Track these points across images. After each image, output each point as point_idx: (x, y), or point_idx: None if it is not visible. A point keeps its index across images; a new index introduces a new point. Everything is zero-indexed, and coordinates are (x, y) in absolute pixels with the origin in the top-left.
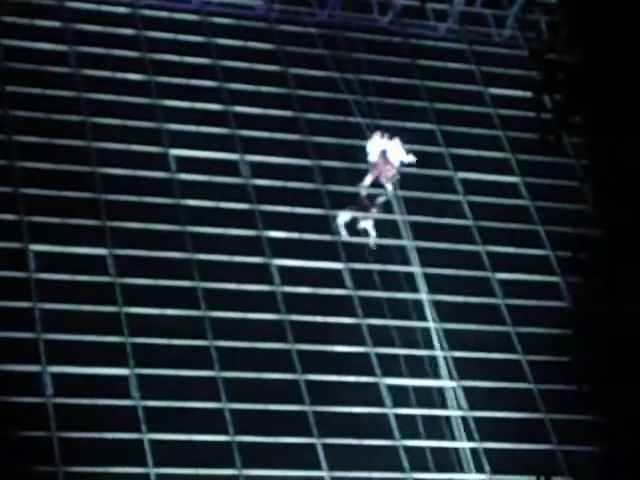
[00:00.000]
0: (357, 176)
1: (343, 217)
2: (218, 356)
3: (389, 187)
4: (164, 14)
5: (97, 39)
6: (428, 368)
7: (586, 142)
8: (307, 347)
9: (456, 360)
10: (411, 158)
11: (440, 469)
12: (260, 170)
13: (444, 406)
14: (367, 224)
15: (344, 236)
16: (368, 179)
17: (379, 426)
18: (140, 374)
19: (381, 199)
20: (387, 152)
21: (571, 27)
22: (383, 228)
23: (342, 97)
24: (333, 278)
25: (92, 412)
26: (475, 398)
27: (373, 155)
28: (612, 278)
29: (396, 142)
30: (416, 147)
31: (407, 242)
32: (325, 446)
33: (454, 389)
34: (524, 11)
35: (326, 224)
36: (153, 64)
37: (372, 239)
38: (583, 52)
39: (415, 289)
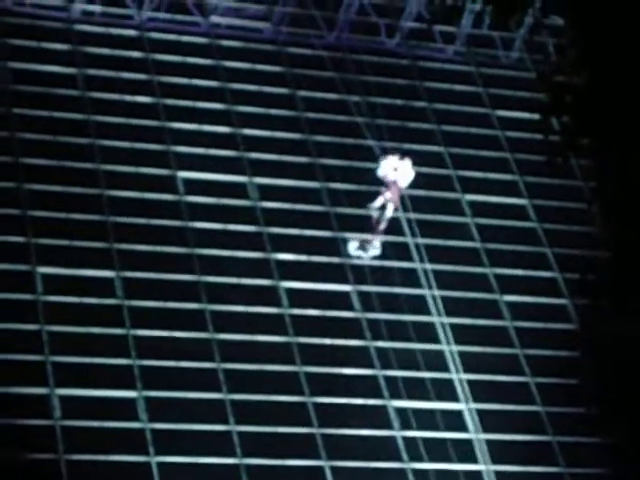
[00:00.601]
0: (365, 198)
1: (353, 245)
2: (226, 378)
3: (390, 209)
4: (172, 37)
5: (105, 62)
6: (436, 390)
7: (594, 164)
8: (315, 369)
9: (464, 382)
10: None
11: None
12: (268, 192)
13: (452, 428)
14: (376, 246)
15: (365, 258)
16: (379, 201)
17: (387, 449)
18: (148, 396)
19: (383, 224)
20: (397, 174)
21: (579, 49)
22: (392, 250)
23: (350, 119)
24: (341, 300)
25: (100, 434)
26: (483, 420)
27: (386, 175)
28: (619, 300)
29: (407, 163)
30: (424, 169)
31: (416, 264)
32: (333, 468)
33: (462, 411)
34: (532, 33)
35: (334, 246)
36: (161, 87)
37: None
38: (591, 74)
39: (423, 311)
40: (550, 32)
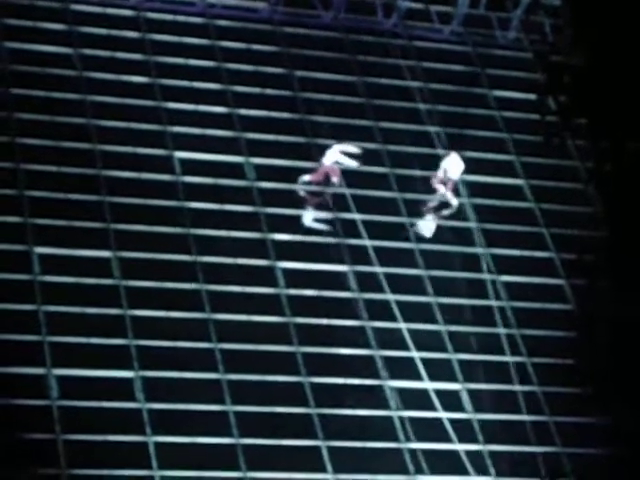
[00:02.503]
0: (358, 178)
1: (308, 216)
2: (222, 358)
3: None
4: (168, 17)
5: (102, 42)
6: (433, 370)
7: (590, 144)
8: (312, 350)
9: (461, 362)
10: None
11: (445, 472)
12: (265, 172)
13: (449, 408)
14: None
15: (320, 229)
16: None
17: (384, 429)
18: (145, 377)
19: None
20: (446, 166)
21: (575, 29)
22: (388, 231)
23: (347, 99)
24: (338, 281)
25: (97, 415)
26: (479, 401)
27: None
28: (616, 281)
29: (454, 155)
30: (421, 150)
31: (413, 245)
32: (330, 448)
33: (459, 391)
34: (528, 13)
35: (331, 226)
36: (158, 67)
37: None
38: (588, 54)
39: (420, 291)
40: (547, 12)
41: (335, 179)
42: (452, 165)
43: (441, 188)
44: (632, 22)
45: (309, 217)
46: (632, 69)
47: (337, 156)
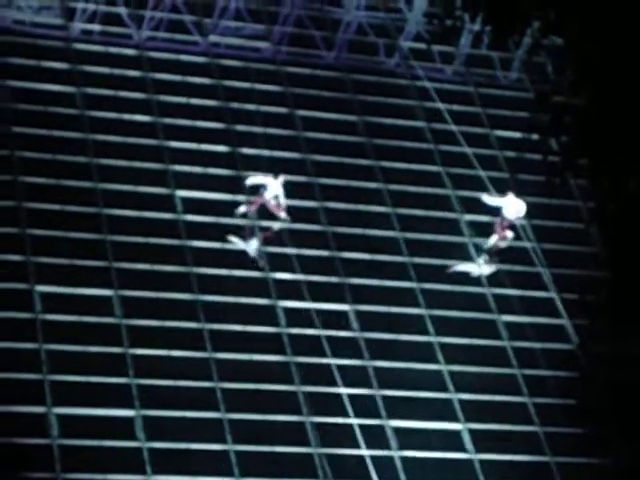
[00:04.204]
0: (360, 217)
1: (252, 246)
2: (224, 398)
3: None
4: (171, 56)
5: (104, 80)
6: (434, 410)
7: (592, 184)
8: (313, 389)
9: (462, 402)
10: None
11: None
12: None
13: (450, 448)
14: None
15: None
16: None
17: (385, 468)
18: (146, 415)
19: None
20: (502, 209)
21: (577, 70)
22: (391, 270)
23: (349, 139)
24: (339, 320)
25: (97, 453)
26: (481, 441)
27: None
28: (618, 321)
29: (510, 197)
30: (422, 189)
31: (414, 284)
32: None
33: (460, 431)
34: (530, 54)
35: (332, 265)
36: (160, 105)
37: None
38: (589, 94)
39: (421, 331)
40: (548, 52)
41: (282, 214)
42: (510, 206)
43: (508, 233)
44: (633, 62)
45: (253, 247)
46: (634, 109)
47: (277, 190)
